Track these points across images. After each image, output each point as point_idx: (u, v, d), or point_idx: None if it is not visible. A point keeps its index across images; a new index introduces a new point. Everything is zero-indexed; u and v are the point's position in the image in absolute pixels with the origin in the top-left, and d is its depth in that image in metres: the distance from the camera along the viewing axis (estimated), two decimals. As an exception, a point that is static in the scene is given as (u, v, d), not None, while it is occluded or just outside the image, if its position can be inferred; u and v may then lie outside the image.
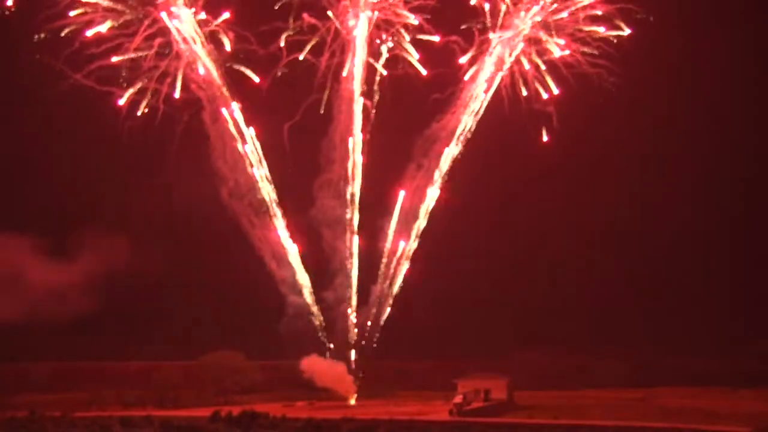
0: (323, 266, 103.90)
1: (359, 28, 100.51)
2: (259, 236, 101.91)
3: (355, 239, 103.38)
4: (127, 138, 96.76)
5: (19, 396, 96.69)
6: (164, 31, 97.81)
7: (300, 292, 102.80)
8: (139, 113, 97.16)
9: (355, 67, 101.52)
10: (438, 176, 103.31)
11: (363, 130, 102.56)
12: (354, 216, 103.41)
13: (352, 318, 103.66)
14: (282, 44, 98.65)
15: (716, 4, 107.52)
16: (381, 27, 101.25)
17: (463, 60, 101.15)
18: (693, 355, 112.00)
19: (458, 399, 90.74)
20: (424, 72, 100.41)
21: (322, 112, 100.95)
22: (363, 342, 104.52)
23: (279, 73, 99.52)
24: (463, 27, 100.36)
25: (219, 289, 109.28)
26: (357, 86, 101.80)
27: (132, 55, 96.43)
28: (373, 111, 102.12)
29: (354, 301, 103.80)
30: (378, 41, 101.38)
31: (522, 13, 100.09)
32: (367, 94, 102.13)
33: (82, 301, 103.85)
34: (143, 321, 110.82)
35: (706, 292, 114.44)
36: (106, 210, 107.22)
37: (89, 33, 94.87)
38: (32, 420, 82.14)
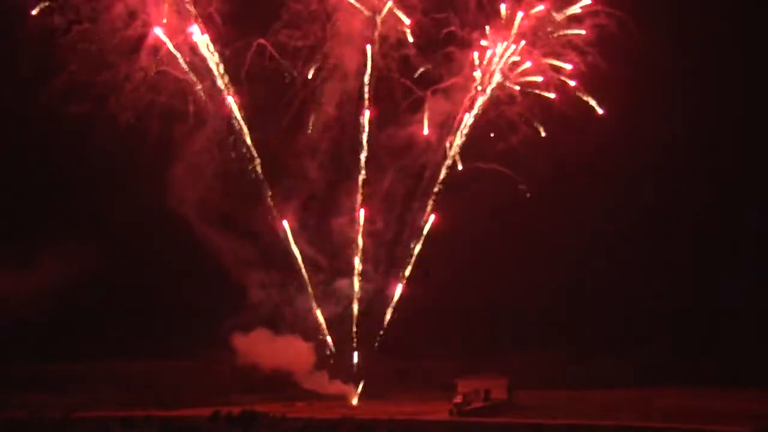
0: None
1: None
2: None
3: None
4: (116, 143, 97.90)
5: (19, 396, 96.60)
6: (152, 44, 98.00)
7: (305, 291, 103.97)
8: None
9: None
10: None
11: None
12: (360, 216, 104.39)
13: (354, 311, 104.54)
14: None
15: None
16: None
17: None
18: (693, 355, 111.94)
19: (458, 399, 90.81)
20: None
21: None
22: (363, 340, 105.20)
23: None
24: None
25: (218, 289, 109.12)
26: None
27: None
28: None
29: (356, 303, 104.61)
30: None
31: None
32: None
33: (81, 301, 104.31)
34: (143, 321, 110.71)
35: (706, 291, 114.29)
36: (106, 210, 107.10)
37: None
38: (32, 420, 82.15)
